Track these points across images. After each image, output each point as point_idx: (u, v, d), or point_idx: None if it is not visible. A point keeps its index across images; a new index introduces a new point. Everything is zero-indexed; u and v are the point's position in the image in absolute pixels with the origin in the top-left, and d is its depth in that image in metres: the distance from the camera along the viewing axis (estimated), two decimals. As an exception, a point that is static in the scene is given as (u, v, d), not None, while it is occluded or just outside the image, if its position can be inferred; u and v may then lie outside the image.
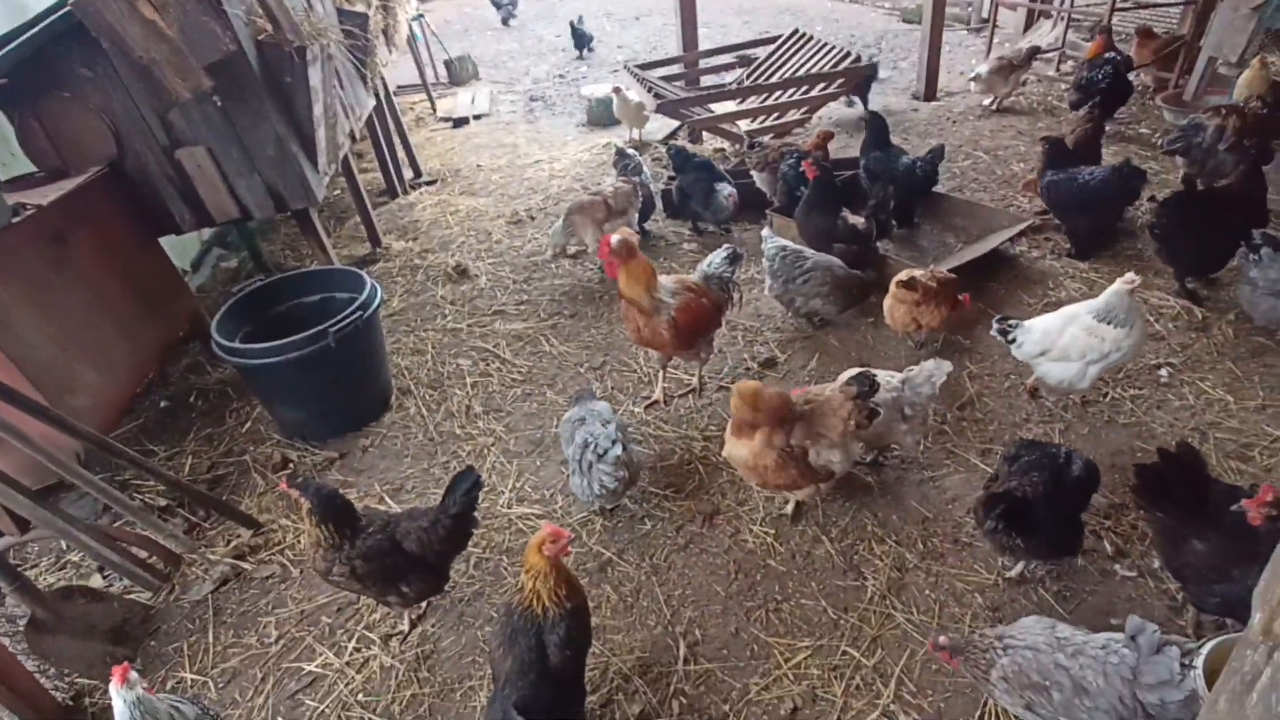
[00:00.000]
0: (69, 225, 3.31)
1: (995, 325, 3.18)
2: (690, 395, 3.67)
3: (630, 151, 5.37)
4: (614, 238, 3.16)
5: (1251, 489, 2.30)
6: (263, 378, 3.45)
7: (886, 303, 3.65)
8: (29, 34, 3.22)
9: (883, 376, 2.84)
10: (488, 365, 4.08)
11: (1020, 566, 2.61)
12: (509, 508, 3.15)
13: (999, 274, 4.27)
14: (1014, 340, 3.15)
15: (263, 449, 3.66)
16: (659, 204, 5.39)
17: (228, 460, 3.64)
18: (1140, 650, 1.83)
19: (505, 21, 13.14)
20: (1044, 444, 2.62)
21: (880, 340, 3.92)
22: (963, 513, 2.88)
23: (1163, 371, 3.43)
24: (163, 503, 3.36)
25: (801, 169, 4.32)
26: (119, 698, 1.94)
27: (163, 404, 4.05)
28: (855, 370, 2.79)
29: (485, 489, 3.05)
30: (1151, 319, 3.75)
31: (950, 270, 3.69)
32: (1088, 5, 8.30)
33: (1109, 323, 2.94)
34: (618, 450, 2.77)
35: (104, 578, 3.09)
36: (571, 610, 2.08)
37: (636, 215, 4.92)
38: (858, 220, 4.13)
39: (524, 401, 3.79)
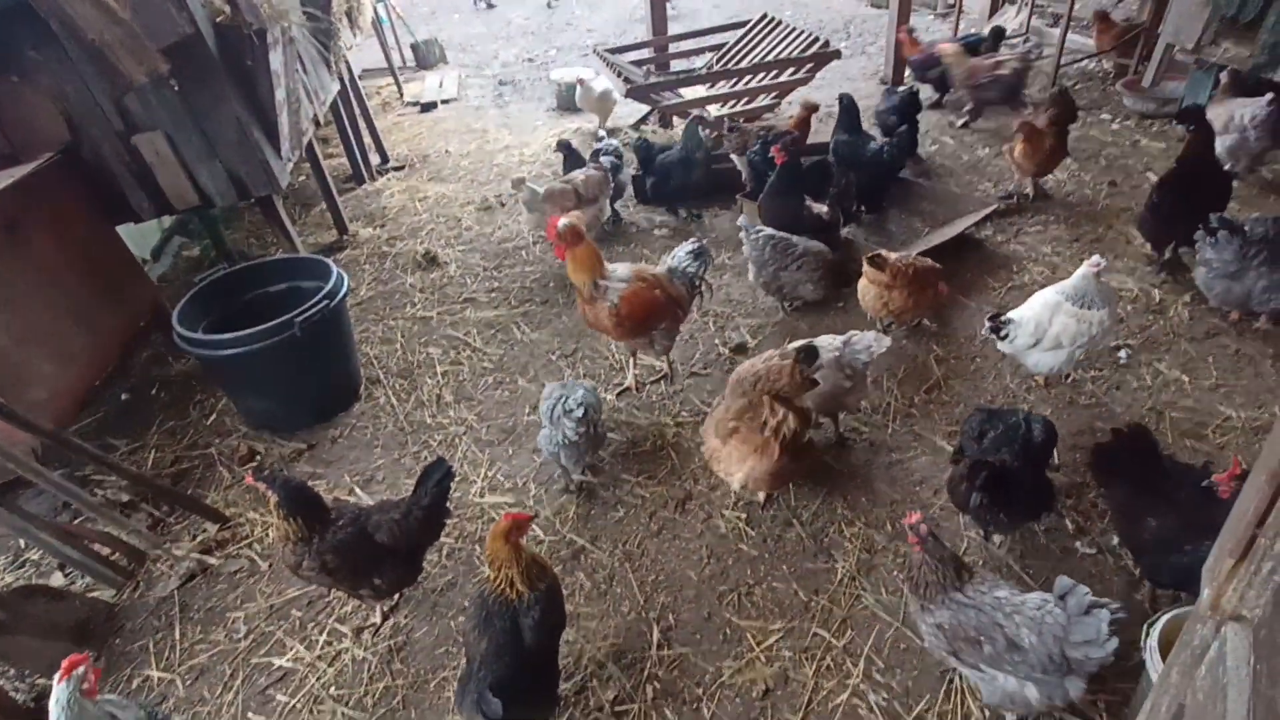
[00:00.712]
0: (21, 213, 3.20)
1: (987, 324, 3.15)
2: (662, 382, 3.68)
3: (602, 135, 5.31)
4: (561, 221, 3.15)
5: (1205, 467, 2.39)
6: (227, 369, 3.39)
7: (860, 284, 3.68)
8: (-29, 14, 3.10)
9: (825, 339, 3.01)
10: (458, 353, 4.05)
11: (1005, 539, 2.68)
12: (481, 496, 3.14)
13: (966, 258, 4.33)
14: (1006, 336, 3.11)
15: (228, 441, 3.60)
16: (631, 189, 5.37)
17: (192, 453, 3.57)
18: (1069, 610, 1.91)
19: (489, 5, 12.91)
20: (1002, 411, 2.72)
21: (849, 324, 3.94)
22: (930, 493, 2.94)
23: (1121, 353, 3.51)
24: (125, 498, 3.29)
25: (770, 154, 4.33)
26: (54, 695, 1.81)
27: (123, 396, 3.96)
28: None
29: (457, 478, 3.03)
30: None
31: (920, 254, 3.73)
32: (1051, -8, 8.40)
33: (1088, 306, 3.01)
34: (581, 412, 2.85)
35: (65, 575, 3.02)
36: (545, 590, 2.10)
37: (608, 202, 4.90)
38: (821, 209, 4.16)
39: (495, 390, 3.77)
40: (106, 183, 3.69)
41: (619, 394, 3.62)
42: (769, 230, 3.90)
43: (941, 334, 3.80)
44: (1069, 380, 3.40)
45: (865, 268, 3.57)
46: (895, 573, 2.67)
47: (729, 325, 4.07)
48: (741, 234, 3.95)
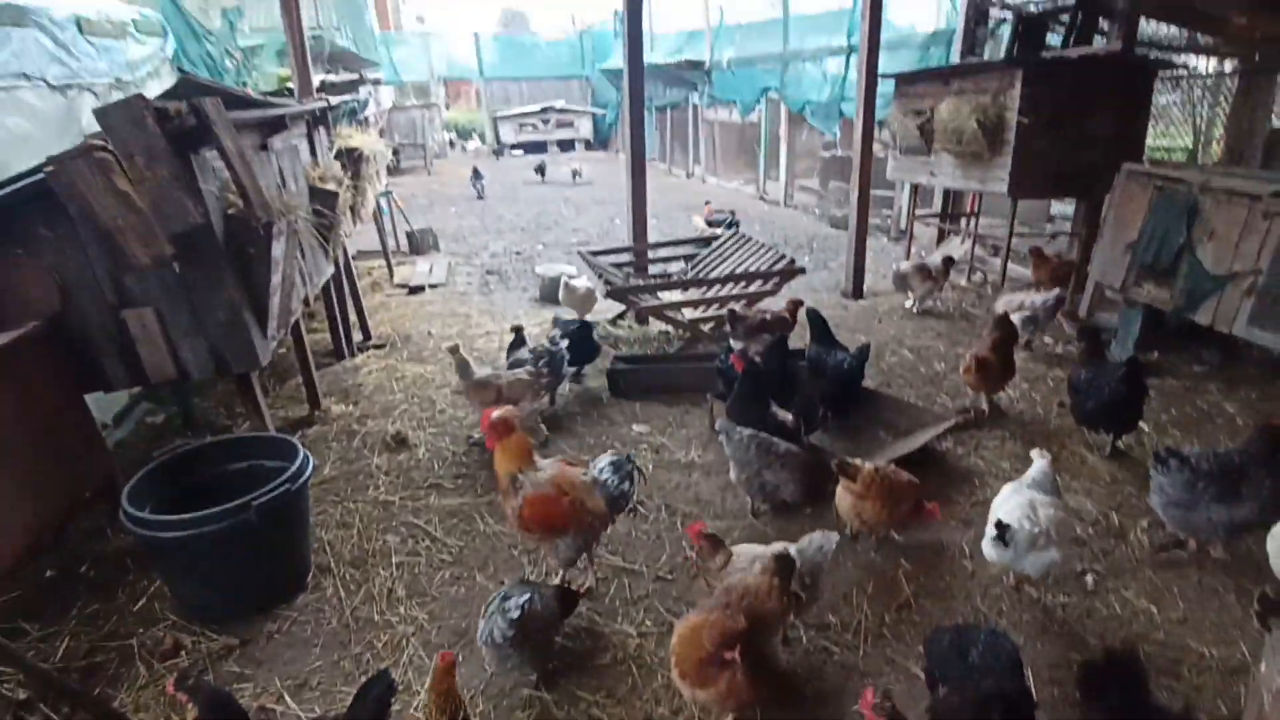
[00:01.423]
0: (-11, 380, 3.16)
1: (993, 533, 3.11)
2: (599, 583, 3.54)
3: (556, 335, 5.55)
4: (495, 413, 3.23)
5: (1186, 709, 2.32)
6: (170, 552, 3.21)
7: (838, 490, 3.70)
8: (-4, 195, 3.27)
9: (747, 549, 3.00)
10: (417, 543, 3.91)
11: None
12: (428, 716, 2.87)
13: (928, 471, 4.41)
14: (1009, 542, 3.07)
15: (153, 632, 3.31)
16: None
17: (110, 644, 3.26)
18: None
19: (480, 196, 14.34)
20: (969, 629, 2.65)
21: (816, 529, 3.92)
22: (906, 727, 2.77)
23: (1088, 578, 3.51)
24: (22, 694, 2.95)
25: (730, 362, 4.55)
26: None
27: (49, 573, 3.69)
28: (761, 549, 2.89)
29: (400, 689, 2.80)
30: (1073, 522, 3.90)
31: (893, 464, 3.81)
32: (990, 225, 9.41)
33: (1059, 495, 3.33)
34: (516, 614, 2.71)
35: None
36: None
37: (531, 405, 4.91)
38: (786, 416, 4.31)
39: (452, 585, 3.60)
40: (85, 352, 3.69)
41: (584, 592, 3.47)
42: (750, 430, 3.99)
43: (910, 548, 3.79)
44: (1039, 604, 3.36)
45: (840, 476, 3.63)
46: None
47: (697, 527, 4.01)
48: (721, 437, 4.03)
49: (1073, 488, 4.22)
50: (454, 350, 4.80)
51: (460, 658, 3.14)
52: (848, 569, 3.64)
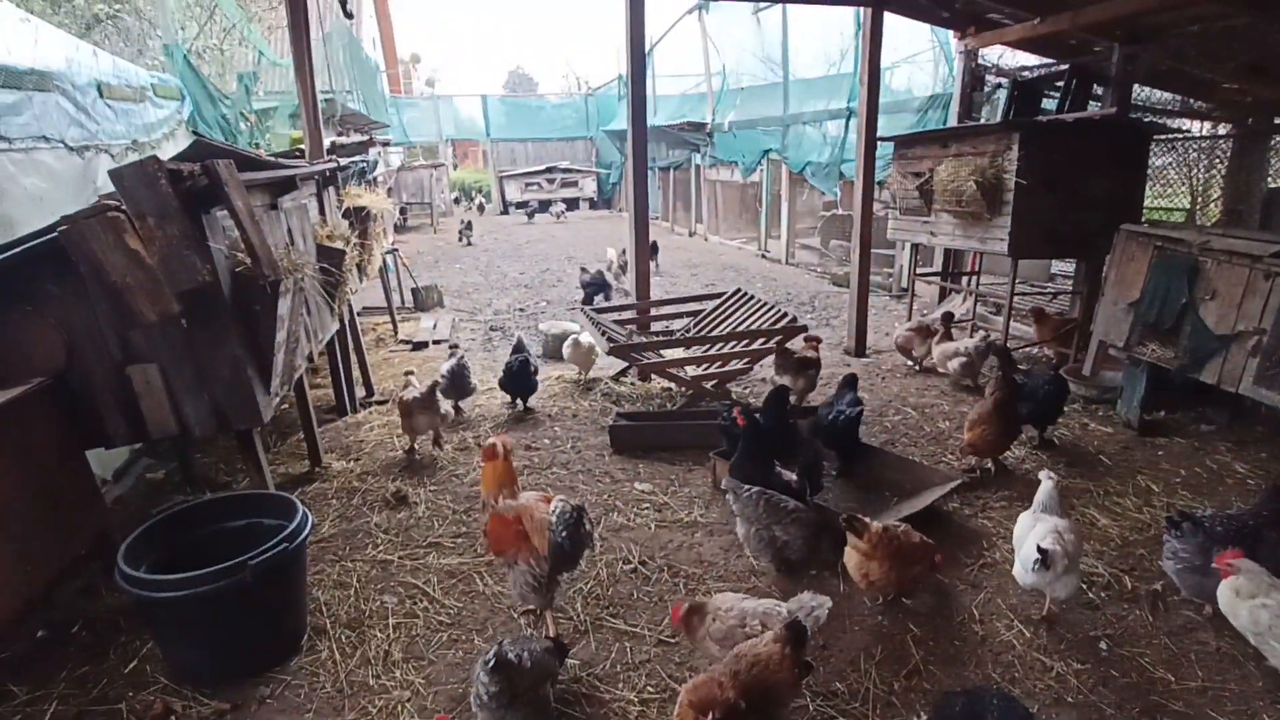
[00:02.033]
0: (-9, 437, 3.16)
1: (1038, 557, 3.26)
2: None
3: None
4: (493, 438, 3.83)
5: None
6: (164, 612, 3.15)
7: (846, 550, 3.64)
8: (8, 254, 3.32)
9: (768, 605, 3.01)
10: (415, 604, 3.82)
11: None
12: (417, 784, 2.77)
13: (934, 532, 4.33)
14: (1050, 566, 3.27)
15: (143, 695, 3.21)
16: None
17: (99, 708, 3.17)
18: None
19: (469, 243, 15.13)
20: (978, 691, 2.61)
21: (819, 590, 3.83)
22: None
23: (1102, 644, 3.41)
24: (6, 764, 2.86)
25: (733, 418, 4.54)
26: None
27: (40, 633, 3.61)
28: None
29: (393, 760, 2.70)
30: (1084, 586, 3.82)
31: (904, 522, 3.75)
32: (991, 283, 9.50)
33: (1066, 516, 3.62)
34: (492, 662, 2.66)
35: None
36: None
37: (442, 412, 5.60)
38: (790, 476, 4.27)
39: (449, 649, 3.51)
40: (88, 408, 3.70)
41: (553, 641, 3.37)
42: (759, 487, 3.94)
43: (918, 611, 3.70)
44: (1053, 673, 3.25)
45: (847, 533, 3.57)
46: None
47: (700, 588, 3.93)
48: (729, 495, 3.98)
49: (1084, 550, 4.13)
50: (408, 374, 5.71)
51: (455, 726, 3.04)
52: (854, 633, 3.54)
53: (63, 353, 3.56)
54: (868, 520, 3.58)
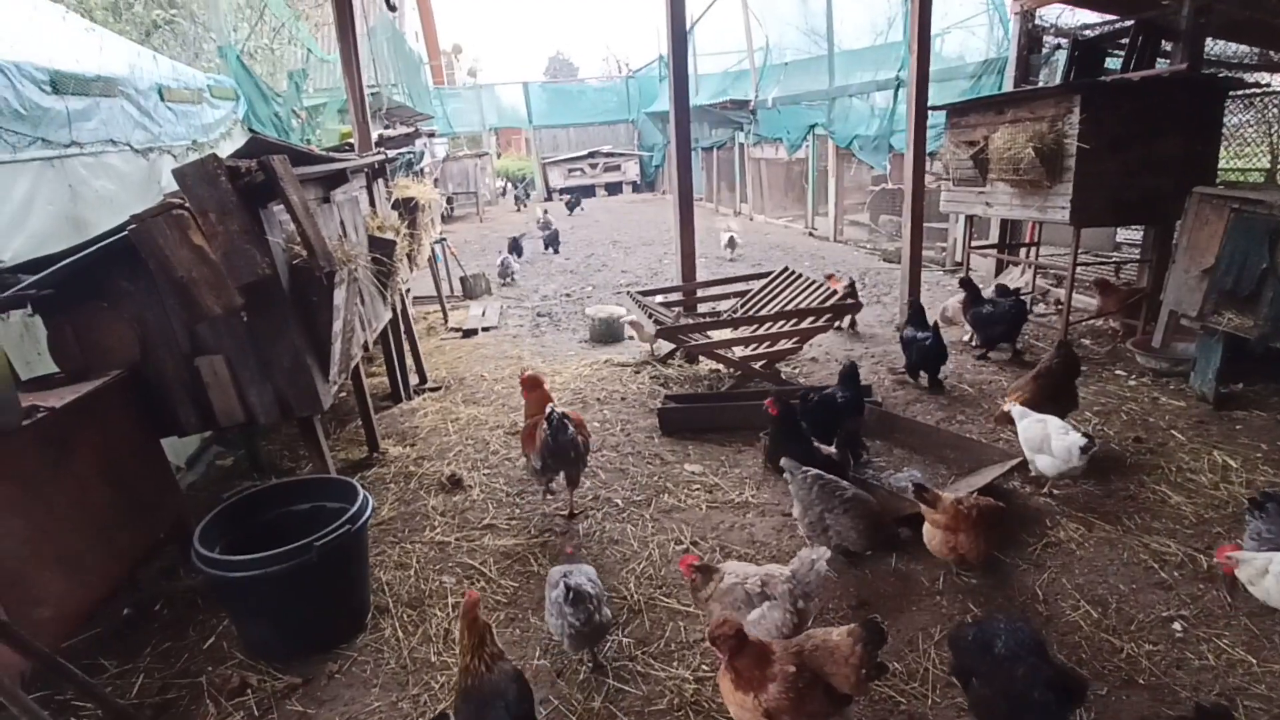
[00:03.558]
0: (76, 429, 3.34)
1: (1081, 446, 4.02)
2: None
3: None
4: (528, 373, 4.68)
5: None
6: (237, 591, 3.29)
7: (925, 528, 3.62)
8: (85, 253, 3.49)
9: (773, 569, 3.06)
10: (472, 583, 3.92)
11: None
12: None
13: (995, 510, 4.24)
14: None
15: (221, 670, 3.38)
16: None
17: (182, 681, 3.35)
18: None
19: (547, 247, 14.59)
20: (991, 623, 2.69)
21: (880, 578, 3.79)
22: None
23: (1176, 625, 3.29)
24: (100, 731, 3.04)
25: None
26: None
27: (126, 611, 3.82)
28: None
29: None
30: (1155, 566, 3.68)
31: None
32: (1051, 255, 9.13)
33: None
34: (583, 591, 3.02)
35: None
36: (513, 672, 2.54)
37: None
38: (830, 450, 4.22)
39: (506, 627, 3.58)
40: (161, 399, 3.87)
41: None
42: (816, 470, 3.90)
43: (980, 591, 3.62)
44: (1123, 654, 3.14)
45: (921, 506, 3.53)
46: None
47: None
48: (786, 475, 3.95)
49: (1153, 528, 3.98)
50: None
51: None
52: (911, 613, 3.49)
53: (137, 346, 3.74)
54: (937, 491, 3.53)
